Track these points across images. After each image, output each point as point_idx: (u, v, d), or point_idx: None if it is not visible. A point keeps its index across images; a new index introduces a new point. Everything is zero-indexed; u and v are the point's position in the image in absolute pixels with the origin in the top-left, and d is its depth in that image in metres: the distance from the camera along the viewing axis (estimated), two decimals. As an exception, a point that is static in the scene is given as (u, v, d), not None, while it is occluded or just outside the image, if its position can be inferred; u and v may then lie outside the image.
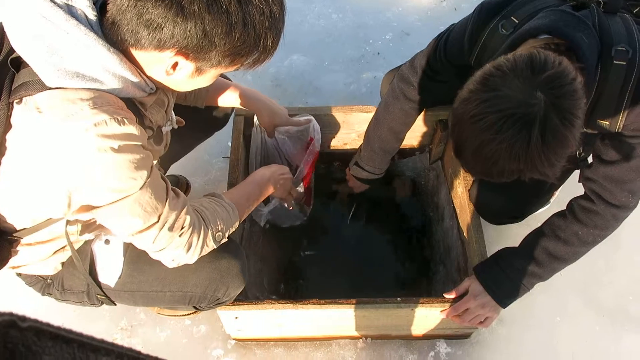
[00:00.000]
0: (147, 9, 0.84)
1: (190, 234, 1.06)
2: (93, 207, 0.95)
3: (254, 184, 1.37)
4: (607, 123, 1.13)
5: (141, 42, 0.88)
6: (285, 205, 1.62)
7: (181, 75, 0.95)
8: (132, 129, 0.90)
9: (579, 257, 1.30)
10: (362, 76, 2.42)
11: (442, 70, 1.45)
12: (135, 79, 0.92)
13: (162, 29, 0.85)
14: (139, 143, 0.93)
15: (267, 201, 1.62)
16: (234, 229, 1.21)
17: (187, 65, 0.92)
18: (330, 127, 1.79)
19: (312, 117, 1.70)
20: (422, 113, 1.72)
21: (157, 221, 1.00)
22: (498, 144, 0.97)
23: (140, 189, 0.94)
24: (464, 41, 1.33)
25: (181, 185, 1.84)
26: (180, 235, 1.05)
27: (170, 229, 1.02)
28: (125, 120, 0.89)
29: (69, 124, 0.84)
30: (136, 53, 0.91)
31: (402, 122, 1.61)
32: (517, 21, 1.19)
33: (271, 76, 2.42)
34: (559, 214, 1.32)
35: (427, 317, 1.46)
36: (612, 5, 1.14)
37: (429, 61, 1.47)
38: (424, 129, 1.81)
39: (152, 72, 0.96)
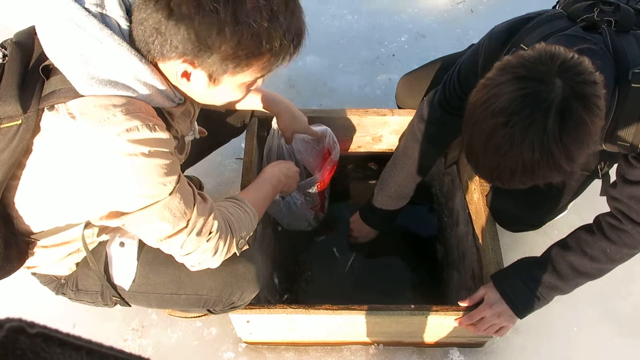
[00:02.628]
0: (147, 18, 0.85)
1: (218, 239, 1.07)
2: (123, 214, 0.95)
3: (266, 184, 1.37)
4: (628, 144, 1.11)
5: (152, 53, 0.88)
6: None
7: (198, 85, 0.94)
8: (162, 135, 0.91)
9: (604, 273, 1.28)
10: (377, 78, 2.40)
11: (459, 105, 1.41)
12: (164, 89, 0.93)
13: (162, 35, 0.85)
14: (168, 150, 0.93)
15: None
16: (251, 234, 1.21)
17: (198, 74, 0.91)
18: (344, 129, 1.78)
19: (328, 128, 1.69)
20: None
21: (186, 226, 1.00)
22: (510, 127, 0.91)
23: (170, 194, 0.94)
24: (478, 70, 1.30)
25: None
26: (207, 241, 1.05)
27: (199, 234, 1.02)
28: (156, 126, 0.90)
29: (101, 129, 0.85)
30: (159, 65, 0.92)
31: (422, 165, 1.57)
32: (526, 49, 1.16)
33: (285, 77, 2.40)
34: (586, 229, 1.29)
35: (440, 324, 1.44)
36: (624, 23, 1.11)
37: (445, 96, 1.43)
38: (439, 133, 1.78)
39: (176, 83, 0.95)
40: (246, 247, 1.19)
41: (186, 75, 0.91)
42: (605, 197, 1.27)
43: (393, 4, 2.71)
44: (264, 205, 1.33)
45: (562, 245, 1.30)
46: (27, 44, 0.93)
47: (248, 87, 1.00)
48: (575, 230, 1.31)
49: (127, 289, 1.23)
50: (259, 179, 1.38)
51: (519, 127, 0.91)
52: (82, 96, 0.87)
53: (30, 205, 1.01)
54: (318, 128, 1.67)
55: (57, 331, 0.35)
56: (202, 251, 1.05)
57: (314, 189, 1.66)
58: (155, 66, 0.92)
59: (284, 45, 0.90)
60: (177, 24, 0.83)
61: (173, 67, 0.90)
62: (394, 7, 2.69)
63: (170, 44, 0.86)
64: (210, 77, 0.92)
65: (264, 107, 1.55)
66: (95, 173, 0.88)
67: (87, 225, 1.08)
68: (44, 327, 0.34)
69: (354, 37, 2.58)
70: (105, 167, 0.87)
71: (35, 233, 1.06)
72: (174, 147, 0.97)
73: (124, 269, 1.22)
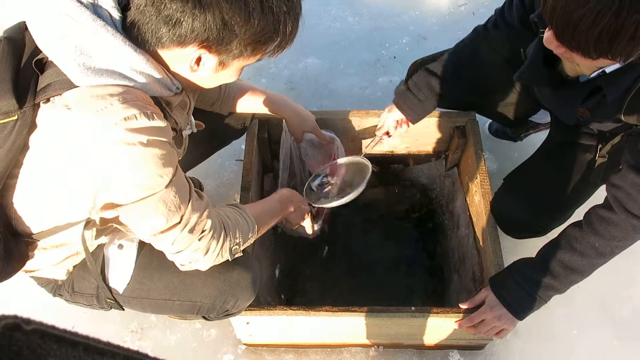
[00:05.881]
0: (164, 4, 0.84)
1: (210, 238, 1.05)
2: (117, 205, 0.94)
3: (275, 201, 1.35)
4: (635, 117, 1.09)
5: (162, 41, 0.88)
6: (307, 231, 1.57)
7: (206, 70, 0.94)
8: (160, 123, 0.90)
9: (596, 268, 1.26)
10: (378, 80, 2.40)
11: (509, 22, 1.40)
12: (161, 77, 0.92)
13: (182, 23, 0.85)
14: (166, 139, 0.92)
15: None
16: (249, 244, 1.20)
17: (210, 59, 0.92)
18: (345, 131, 1.78)
19: (337, 138, 1.69)
20: (438, 119, 1.70)
21: (179, 222, 0.99)
22: None
23: (166, 187, 0.93)
24: None
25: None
26: (199, 239, 1.03)
27: (191, 231, 1.01)
28: (154, 115, 0.89)
29: (98, 118, 0.84)
30: (161, 53, 0.91)
31: (471, 56, 1.51)
32: None
33: (286, 79, 2.40)
34: (575, 225, 1.28)
35: (441, 327, 1.43)
36: None
37: (504, 8, 1.42)
38: (439, 135, 1.78)
39: (178, 70, 0.95)
40: (240, 254, 1.17)
41: (197, 61, 0.92)
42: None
43: (394, 6, 2.71)
44: (267, 219, 1.29)
45: (553, 243, 1.29)
46: (18, 39, 0.93)
47: (242, 70, 1.02)
48: (566, 227, 1.30)
49: (121, 292, 1.22)
50: (270, 196, 1.37)
51: None
52: (78, 87, 0.86)
53: (29, 205, 1.01)
54: (327, 133, 1.67)
55: (53, 327, 0.35)
56: (193, 250, 1.04)
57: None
58: (154, 54, 0.91)
59: (293, 29, 0.94)
60: (204, 11, 0.84)
61: (183, 54, 0.90)
62: (395, 9, 2.69)
63: (191, 32, 0.86)
64: (220, 62, 0.93)
65: (271, 111, 1.54)
66: (93, 163, 0.88)
67: (85, 226, 1.07)
68: (40, 324, 0.34)
69: (355, 39, 2.58)
70: (103, 157, 0.86)
71: (35, 233, 1.05)
72: (171, 137, 0.96)
73: (121, 271, 1.21)
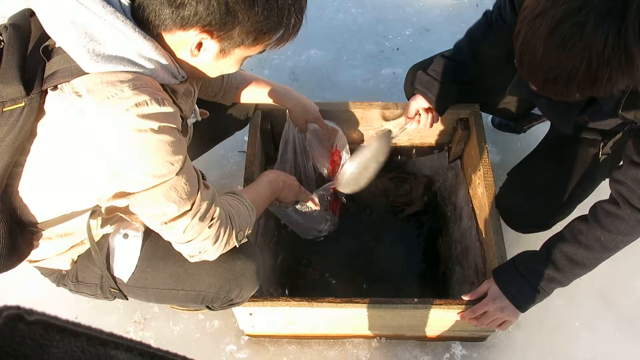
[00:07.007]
0: None
1: (219, 226, 1.06)
2: (129, 194, 0.94)
3: (266, 184, 1.36)
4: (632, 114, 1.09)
5: (166, 23, 0.87)
6: (312, 206, 1.55)
7: (206, 56, 0.94)
8: (170, 109, 0.90)
9: (600, 262, 1.26)
10: (381, 72, 2.39)
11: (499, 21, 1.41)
12: (167, 63, 0.92)
13: (185, 5, 0.84)
14: (175, 126, 0.92)
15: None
16: (250, 231, 1.20)
17: (211, 46, 0.91)
18: (348, 123, 1.77)
19: (339, 129, 1.68)
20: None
21: (190, 209, 0.99)
22: (584, 15, 0.84)
23: (177, 174, 0.93)
24: None
25: (197, 178, 1.83)
26: (209, 227, 1.04)
27: (202, 218, 1.01)
28: (164, 101, 0.89)
29: (109, 105, 0.83)
30: (165, 37, 0.90)
31: (482, 34, 1.50)
32: None
33: (288, 70, 2.40)
34: (581, 218, 1.28)
35: (443, 318, 1.44)
36: None
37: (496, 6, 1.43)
38: (442, 127, 1.78)
39: (183, 57, 0.95)
40: (245, 240, 1.18)
41: (198, 46, 0.91)
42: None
43: (397, -3, 2.69)
44: (262, 204, 1.32)
45: (558, 236, 1.29)
46: (24, 26, 0.92)
47: (243, 61, 1.01)
48: (572, 220, 1.30)
49: (125, 281, 1.22)
50: (259, 180, 1.37)
51: (594, 14, 0.84)
52: (87, 74, 0.85)
53: (34, 193, 1.00)
54: (329, 124, 1.66)
55: (56, 318, 0.35)
56: (203, 238, 1.04)
57: (329, 192, 1.64)
58: (160, 39, 0.90)
59: (297, 22, 0.93)
60: None
61: (185, 38, 0.90)
62: (399, 1, 2.68)
63: (194, 15, 0.85)
64: (221, 49, 0.92)
65: (274, 102, 1.54)
66: (103, 150, 0.87)
67: (91, 215, 1.07)
68: (43, 314, 0.34)
69: (358, 30, 2.57)
70: (114, 144, 0.86)
71: (40, 223, 1.05)
72: (180, 124, 0.96)
73: (125, 261, 1.21)
